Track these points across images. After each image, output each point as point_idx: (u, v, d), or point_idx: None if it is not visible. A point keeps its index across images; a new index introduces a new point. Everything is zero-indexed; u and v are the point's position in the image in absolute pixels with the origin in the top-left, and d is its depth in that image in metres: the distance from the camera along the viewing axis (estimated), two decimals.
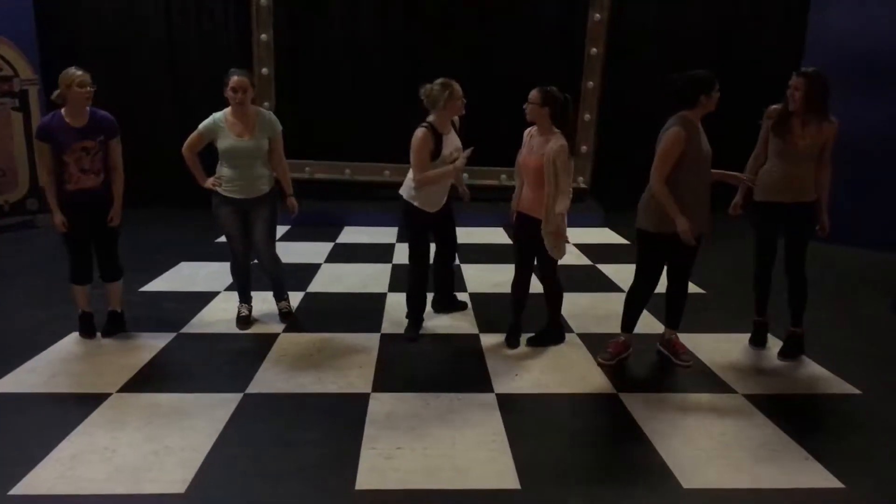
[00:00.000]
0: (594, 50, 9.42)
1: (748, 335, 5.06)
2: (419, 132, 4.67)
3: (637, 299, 4.66)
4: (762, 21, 9.73)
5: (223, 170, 4.89)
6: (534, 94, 4.44)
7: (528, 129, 4.64)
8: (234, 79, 4.72)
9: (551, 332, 4.97)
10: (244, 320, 5.20)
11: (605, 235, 8.75)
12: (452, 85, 4.68)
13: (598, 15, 9.34)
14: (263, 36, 9.18)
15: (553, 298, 4.87)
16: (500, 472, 3.31)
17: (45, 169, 4.59)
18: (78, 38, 9.28)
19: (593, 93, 9.53)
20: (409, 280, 5.09)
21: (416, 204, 4.82)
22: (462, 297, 5.93)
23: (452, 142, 4.83)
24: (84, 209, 4.64)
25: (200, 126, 4.85)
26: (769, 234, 4.81)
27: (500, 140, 9.13)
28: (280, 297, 5.42)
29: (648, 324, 5.31)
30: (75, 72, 4.46)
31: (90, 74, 4.51)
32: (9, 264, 6.79)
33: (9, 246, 7.47)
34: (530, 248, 4.66)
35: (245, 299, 5.31)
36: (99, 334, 4.89)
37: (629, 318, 4.71)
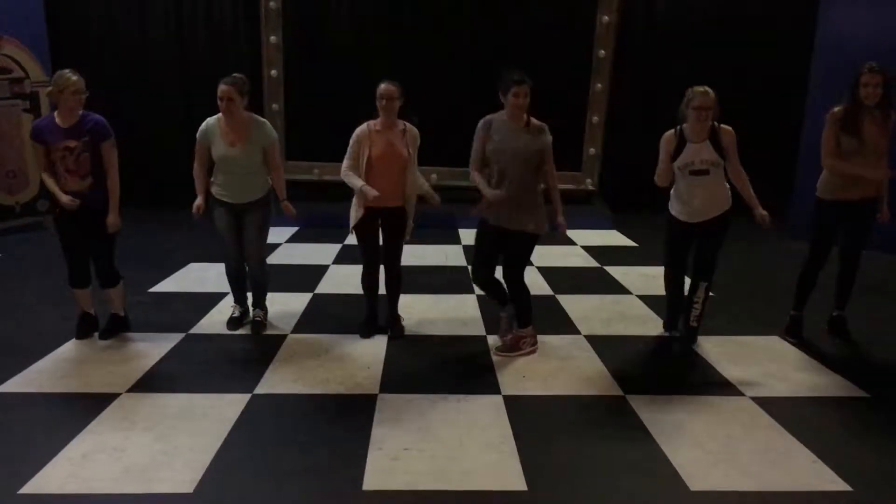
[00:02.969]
0: (602, 52, 9.43)
1: (756, 338, 5.08)
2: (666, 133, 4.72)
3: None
4: (770, 23, 9.71)
5: (218, 175, 4.89)
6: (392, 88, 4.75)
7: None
8: (220, 87, 4.66)
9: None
10: (235, 322, 5.19)
11: (612, 238, 8.74)
12: (689, 91, 4.54)
13: (606, 17, 9.35)
14: (273, 38, 9.22)
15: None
16: (507, 474, 3.31)
17: (42, 168, 4.60)
18: (89, 40, 9.36)
19: (601, 95, 9.53)
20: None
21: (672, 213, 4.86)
22: (468, 298, 5.95)
23: (698, 152, 4.55)
24: (71, 212, 4.58)
25: (197, 134, 4.84)
26: (833, 231, 4.94)
27: None
28: (257, 304, 5.27)
29: (653, 325, 5.32)
30: (70, 77, 4.43)
31: (84, 81, 4.47)
32: (20, 265, 6.84)
33: (20, 246, 7.52)
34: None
35: (238, 301, 5.29)
36: (96, 335, 4.90)
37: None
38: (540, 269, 7.08)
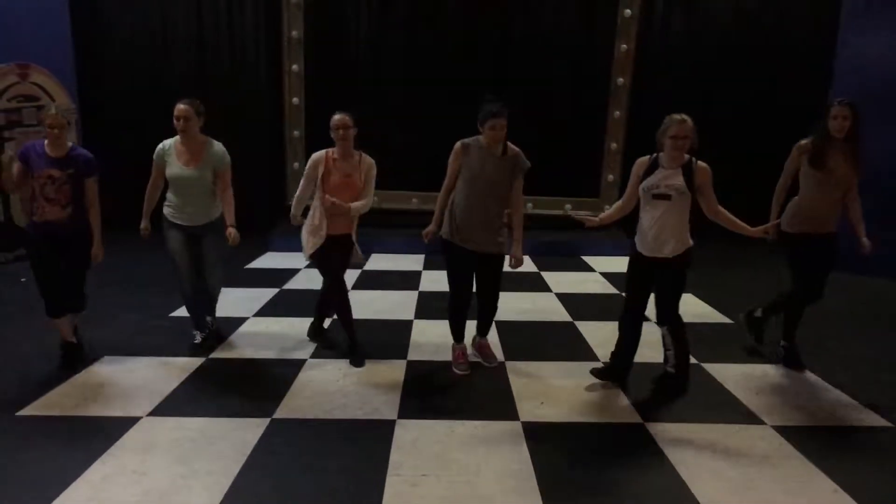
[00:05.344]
0: (621, 80, 9.49)
1: (777, 366, 5.05)
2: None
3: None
4: (789, 51, 9.72)
5: (172, 196, 4.97)
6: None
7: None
8: (178, 106, 4.81)
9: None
10: (196, 347, 5.21)
11: None
12: (666, 119, 4.32)
13: (624, 45, 9.41)
14: (294, 66, 9.38)
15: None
16: (526, 500, 3.29)
17: (15, 187, 4.72)
18: (114, 68, 9.54)
19: (620, 122, 9.58)
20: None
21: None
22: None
23: (666, 178, 4.34)
24: (48, 241, 4.65)
25: (154, 154, 4.95)
26: (807, 261, 4.90)
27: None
28: (209, 312, 5.45)
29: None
30: (49, 110, 4.60)
31: (66, 116, 4.60)
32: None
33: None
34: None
35: (199, 326, 5.30)
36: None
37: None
38: (558, 295, 7.07)
